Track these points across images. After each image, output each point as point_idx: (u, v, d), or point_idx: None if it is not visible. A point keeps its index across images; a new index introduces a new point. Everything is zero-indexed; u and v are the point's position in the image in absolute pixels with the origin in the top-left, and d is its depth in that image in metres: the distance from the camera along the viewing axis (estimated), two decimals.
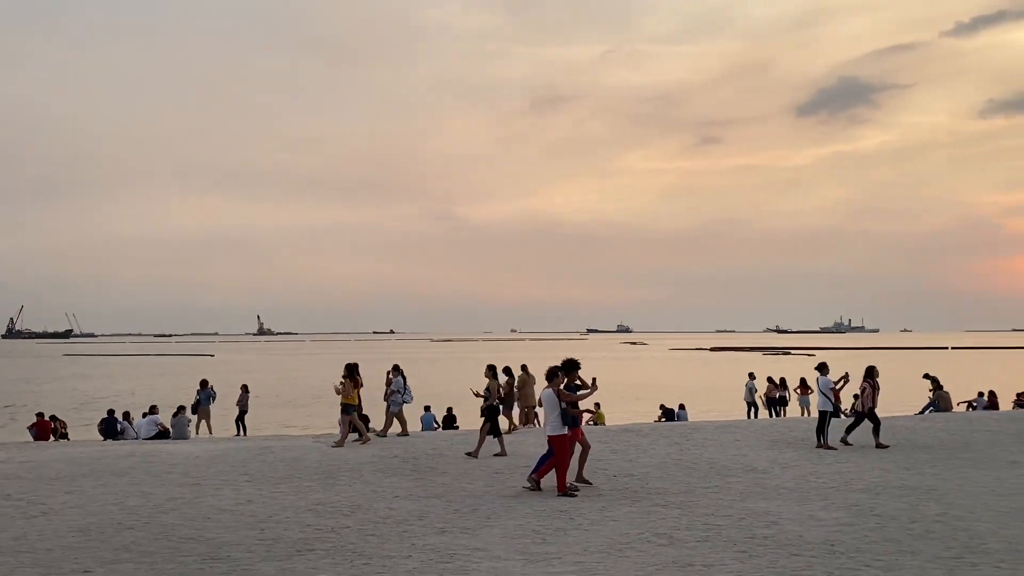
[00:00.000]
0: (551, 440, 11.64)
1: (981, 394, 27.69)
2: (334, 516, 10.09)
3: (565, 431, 11.55)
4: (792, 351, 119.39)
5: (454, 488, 12.04)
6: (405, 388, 17.83)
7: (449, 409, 24.75)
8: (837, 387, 16.73)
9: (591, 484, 12.06)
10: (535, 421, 23.58)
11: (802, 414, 26.16)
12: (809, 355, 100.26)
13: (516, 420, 21.33)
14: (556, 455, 11.54)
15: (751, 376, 28.61)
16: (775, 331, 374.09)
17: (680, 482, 12.39)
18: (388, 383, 17.91)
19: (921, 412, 24.70)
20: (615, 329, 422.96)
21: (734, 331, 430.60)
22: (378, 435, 18.36)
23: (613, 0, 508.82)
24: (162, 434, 21.18)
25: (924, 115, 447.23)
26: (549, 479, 11.73)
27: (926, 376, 26.11)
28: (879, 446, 15.98)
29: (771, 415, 27.20)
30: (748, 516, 9.85)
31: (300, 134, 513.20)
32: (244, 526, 9.55)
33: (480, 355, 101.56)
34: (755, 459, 14.58)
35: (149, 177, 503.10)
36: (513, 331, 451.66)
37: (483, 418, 15.85)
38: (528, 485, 11.76)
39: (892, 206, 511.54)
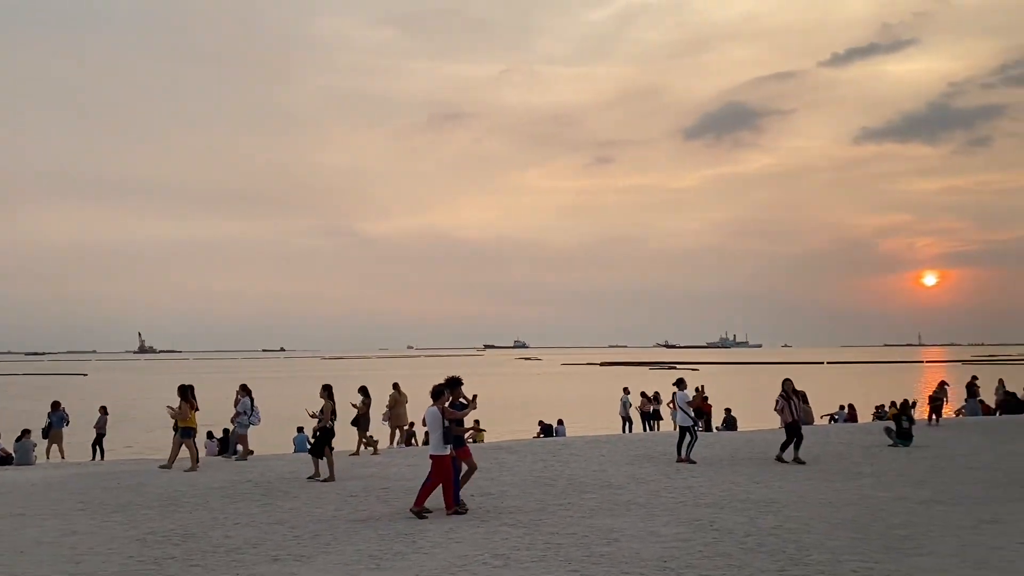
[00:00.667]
0: (432, 460, 11.35)
1: (842, 407, 29.02)
2: (163, 546, 9.55)
3: (447, 451, 11.30)
4: (678, 366, 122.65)
5: (301, 513, 11.61)
6: (252, 409, 17.15)
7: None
8: (697, 401, 17.12)
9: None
10: (412, 441, 23.28)
11: (675, 428, 26.70)
12: (694, 369, 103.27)
13: (388, 440, 21.00)
14: (435, 475, 11.25)
15: (625, 391, 29.13)
16: (664, 346, 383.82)
17: (535, 500, 12.34)
18: (236, 404, 17.26)
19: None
20: (512, 345, 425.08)
21: (626, 346, 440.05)
22: (236, 459, 17.70)
23: (510, 21, 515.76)
24: (4, 460, 19.82)
25: (804, 140, 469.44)
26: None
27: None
28: (777, 455, 16.24)
29: (645, 429, 27.70)
30: (592, 533, 9.85)
31: (187, 146, 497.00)
32: (60, 560, 8.92)
33: (371, 373, 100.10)
34: (614, 474, 14.70)
35: (17, 185, 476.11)
36: (410, 347, 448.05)
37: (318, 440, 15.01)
38: (414, 512, 11.15)
39: (774, 227, 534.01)
